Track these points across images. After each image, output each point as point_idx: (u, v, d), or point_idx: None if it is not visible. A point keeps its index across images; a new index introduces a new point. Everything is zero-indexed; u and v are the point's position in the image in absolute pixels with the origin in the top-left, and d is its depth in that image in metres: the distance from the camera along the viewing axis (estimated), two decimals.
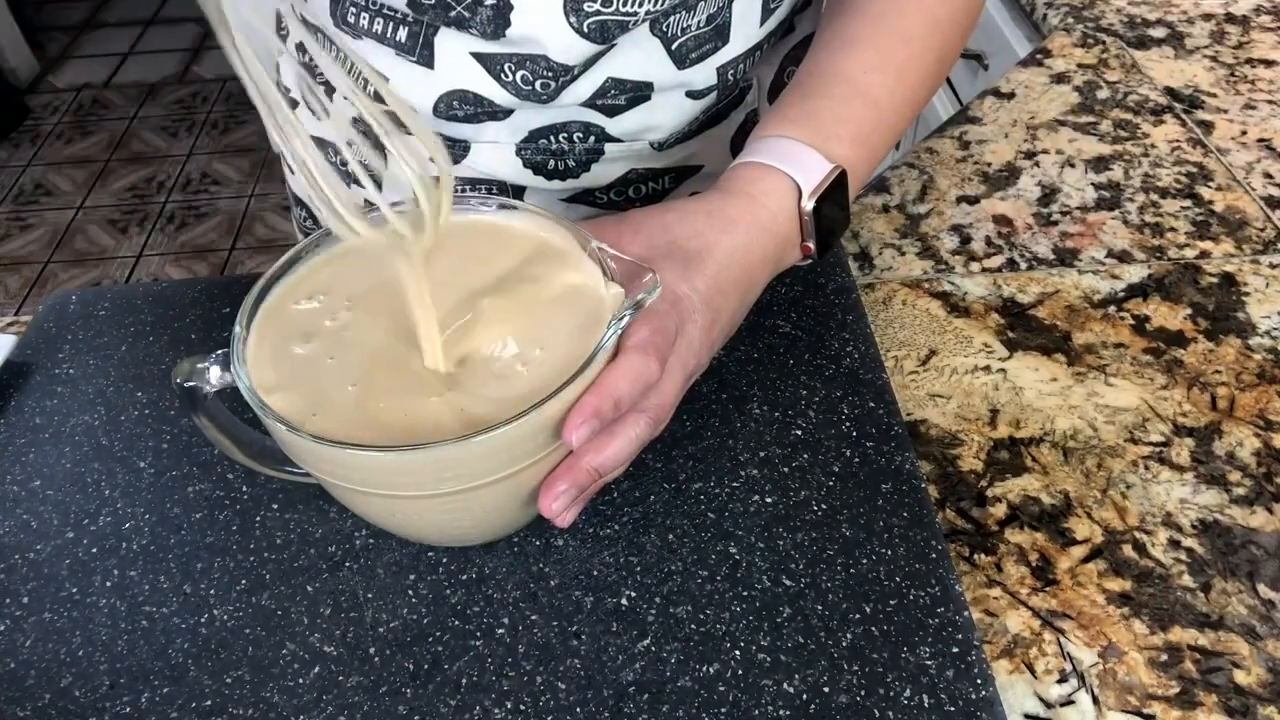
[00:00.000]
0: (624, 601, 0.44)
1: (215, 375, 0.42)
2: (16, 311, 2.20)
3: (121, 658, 0.43)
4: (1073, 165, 0.72)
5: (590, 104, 0.58)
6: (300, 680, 0.42)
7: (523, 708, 0.41)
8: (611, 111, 0.59)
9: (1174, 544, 0.47)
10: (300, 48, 0.67)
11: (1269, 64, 0.83)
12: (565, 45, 0.53)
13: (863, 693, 0.41)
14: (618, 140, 0.61)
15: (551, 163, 0.62)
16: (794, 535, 0.46)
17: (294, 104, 0.69)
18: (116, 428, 0.53)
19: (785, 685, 0.41)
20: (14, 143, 2.79)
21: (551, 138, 0.60)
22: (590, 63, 0.55)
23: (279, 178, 2.57)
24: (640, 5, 0.52)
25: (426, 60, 0.56)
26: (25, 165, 2.71)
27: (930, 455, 0.51)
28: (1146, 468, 0.51)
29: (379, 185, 0.65)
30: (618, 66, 0.56)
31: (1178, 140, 0.74)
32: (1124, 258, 0.63)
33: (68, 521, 0.49)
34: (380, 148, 0.67)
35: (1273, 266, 0.63)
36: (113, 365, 0.57)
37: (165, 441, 0.52)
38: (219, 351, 0.42)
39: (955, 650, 0.42)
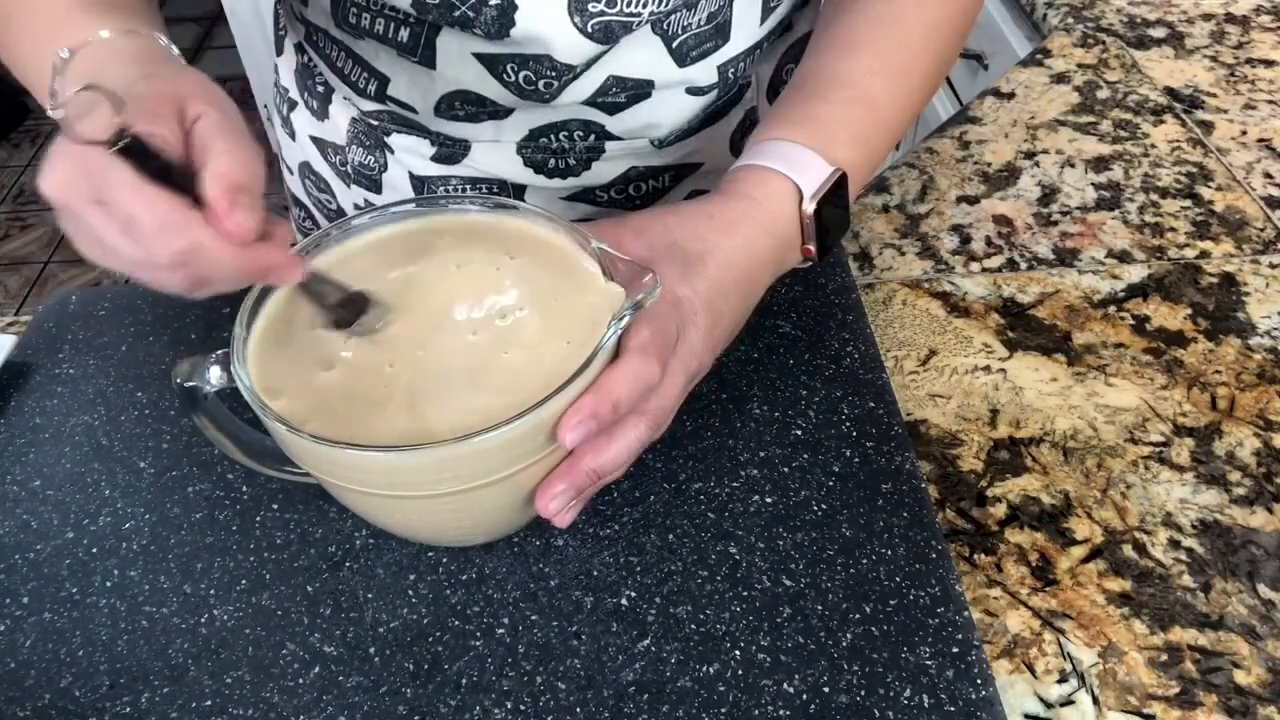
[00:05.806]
0: (624, 601, 0.44)
1: (215, 375, 0.42)
2: (16, 311, 2.20)
3: (121, 658, 0.43)
4: (1073, 165, 0.72)
5: (591, 102, 0.58)
6: (300, 680, 0.42)
7: (523, 708, 0.41)
8: (612, 109, 0.59)
9: (1174, 544, 0.47)
10: (299, 48, 0.66)
11: (1269, 64, 0.83)
12: (569, 45, 0.53)
13: (863, 693, 0.41)
14: (618, 138, 0.61)
15: (552, 161, 0.62)
16: (794, 535, 0.46)
17: (292, 105, 0.69)
18: (116, 428, 0.53)
19: (785, 685, 0.41)
20: (14, 143, 2.79)
21: (552, 136, 0.60)
22: (592, 62, 0.55)
23: (277, 178, 2.57)
24: (644, 6, 0.52)
25: (428, 60, 0.56)
26: (25, 165, 2.71)
27: (930, 455, 0.51)
28: (1146, 468, 0.51)
29: (378, 187, 0.65)
30: (619, 65, 0.56)
31: (1178, 140, 0.74)
32: (1124, 258, 0.63)
33: (68, 521, 0.49)
34: (379, 148, 0.67)
35: (1273, 266, 0.63)
36: (113, 365, 0.57)
37: (165, 441, 0.52)
38: (219, 351, 0.42)
39: (955, 650, 0.42)
